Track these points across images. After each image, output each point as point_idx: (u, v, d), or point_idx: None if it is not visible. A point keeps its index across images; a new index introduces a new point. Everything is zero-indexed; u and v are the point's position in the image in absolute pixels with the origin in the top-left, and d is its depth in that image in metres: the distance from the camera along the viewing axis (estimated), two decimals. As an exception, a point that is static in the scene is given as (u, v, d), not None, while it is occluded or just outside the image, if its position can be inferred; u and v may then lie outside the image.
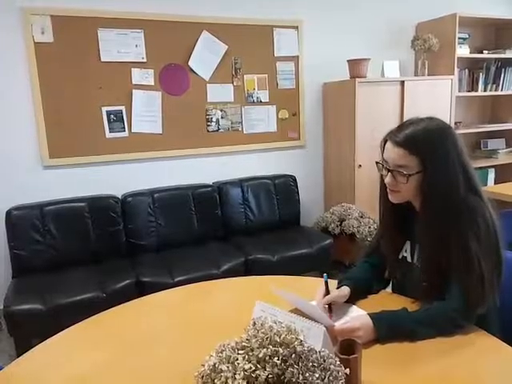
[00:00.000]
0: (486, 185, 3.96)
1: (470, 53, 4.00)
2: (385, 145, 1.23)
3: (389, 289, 1.44)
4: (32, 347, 1.21)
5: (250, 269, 2.86)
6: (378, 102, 3.50)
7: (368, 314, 1.15)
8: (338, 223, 3.35)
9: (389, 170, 1.21)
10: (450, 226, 1.15)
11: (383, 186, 1.28)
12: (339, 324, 1.13)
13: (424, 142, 1.15)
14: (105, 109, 3.02)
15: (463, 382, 0.97)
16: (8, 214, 2.70)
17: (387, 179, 1.22)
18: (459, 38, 3.83)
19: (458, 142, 1.18)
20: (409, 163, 1.16)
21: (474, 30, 4.12)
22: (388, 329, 1.11)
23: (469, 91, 4.12)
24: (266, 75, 3.50)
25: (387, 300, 1.35)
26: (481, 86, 4.11)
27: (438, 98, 3.73)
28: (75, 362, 1.13)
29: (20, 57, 2.76)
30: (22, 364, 1.15)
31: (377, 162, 1.26)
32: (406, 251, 1.34)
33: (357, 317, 1.16)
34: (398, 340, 1.11)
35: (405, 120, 1.24)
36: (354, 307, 1.30)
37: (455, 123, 3.93)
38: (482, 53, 4.08)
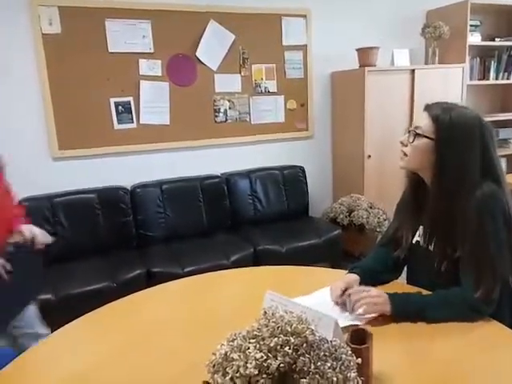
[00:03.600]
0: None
1: (482, 40, 3.92)
2: None
3: (402, 279, 1.43)
4: (44, 336, 1.23)
5: (258, 260, 2.87)
6: (387, 91, 3.45)
7: None
8: (347, 214, 3.34)
9: (409, 130, 1.27)
10: (458, 203, 1.17)
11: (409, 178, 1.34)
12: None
13: (448, 117, 1.18)
14: (113, 100, 3.02)
15: (477, 376, 0.96)
16: (19, 205, 2.72)
17: (403, 137, 1.28)
18: (471, 26, 3.75)
19: (487, 138, 1.19)
20: (424, 125, 1.21)
21: (485, 17, 4.03)
22: (402, 303, 1.15)
23: (480, 79, 4.05)
24: (274, 65, 3.47)
25: (401, 290, 1.33)
26: (492, 74, 4.04)
27: (448, 87, 3.67)
28: (86, 351, 1.14)
29: (28, 48, 2.76)
30: (33, 354, 1.16)
31: (409, 128, 1.30)
32: (419, 235, 1.34)
33: (373, 288, 1.21)
34: (412, 318, 1.12)
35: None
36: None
37: (466, 112, 3.87)
38: (493, 40, 4.00)
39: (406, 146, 1.26)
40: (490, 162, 1.19)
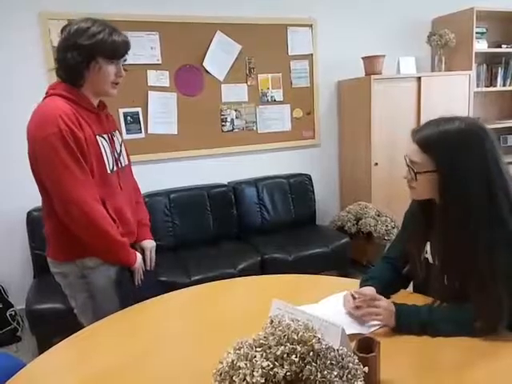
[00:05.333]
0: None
1: (488, 47, 3.92)
2: None
3: (410, 289, 1.42)
4: (53, 345, 1.24)
5: (266, 268, 2.86)
6: (394, 99, 3.46)
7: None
8: (355, 222, 3.33)
9: (407, 164, 1.21)
10: (467, 234, 1.11)
11: None
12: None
13: (439, 143, 1.12)
14: (122, 110, 3.06)
15: None
16: (29, 215, 2.75)
17: (405, 174, 1.22)
18: (477, 33, 3.75)
19: (487, 150, 1.10)
20: (420, 160, 1.15)
21: (491, 24, 4.03)
22: (407, 317, 1.13)
23: (487, 86, 4.03)
24: (280, 74, 3.49)
25: (408, 300, 1.32)
26: (499, 80, 4.02)
27: (455, 94, 3.66)
28: (94, 360, 1.15)
29: (38, 61, 2.81)
30: (43, 362, 1.17)
31: (405, 156, 1.24)
32: (427, 252, 1.31)
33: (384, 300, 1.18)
34: (417, 332, 1.11)
35: (439, 116, 1.19)
36: None
37: (473, 119, 3.85)
38: (500, 47, 3.99)
39: (411, 181, 1.20)
40: (493, 183, 1.09)
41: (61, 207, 1.38)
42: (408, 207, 1.40)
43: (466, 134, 1.12)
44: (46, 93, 1.46)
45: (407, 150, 1.20)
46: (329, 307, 1.29)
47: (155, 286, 1.77)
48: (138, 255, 1.58)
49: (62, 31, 1.43)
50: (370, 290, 1.28)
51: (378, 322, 1.18)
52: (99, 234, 1.41)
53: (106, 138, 1.50)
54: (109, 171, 1.48)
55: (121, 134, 1.66)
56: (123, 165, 1.60)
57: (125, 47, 1.45)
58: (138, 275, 1.59)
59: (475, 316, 1.09)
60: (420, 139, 1.15)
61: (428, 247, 1.30)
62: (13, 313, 2.77)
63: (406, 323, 1.12)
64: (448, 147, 1.11)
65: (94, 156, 1.42)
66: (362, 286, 1.34)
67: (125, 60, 1.49)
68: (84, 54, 1.37)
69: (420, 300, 1.26)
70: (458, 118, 1.14)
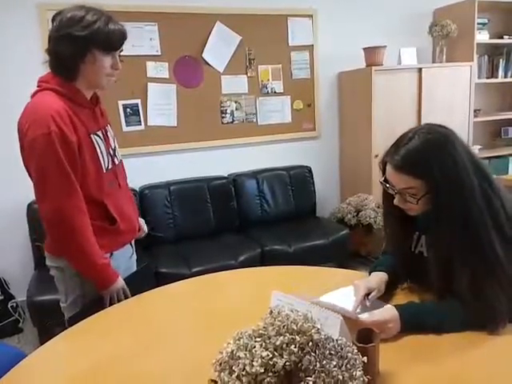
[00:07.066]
0: (507, 173, 3.88)
1: (490, 38, 3.89)
2: (385, 166, 1.17)
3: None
4: (54, 336, 1.24)
5: (266, 260, 2.87)
6: (395, 90, 3.44)
7: (394, 305, 1.13)
8: (355, 214, 3.33)
9: (396, 192, 1.16)
10: (468, 231, 1.08)
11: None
12: (368, 317, 1.11)
13: (425, 162, 1.09)
14: (121, 102, 3.05)
15: (485, 376, 0.96)
16: (29, 207, 2.76)
17: (396, 201, 1.17)
18: (478, 24, 3.73)
19: (457, 142, 1.10)
20: (415, 185, 1.11)
21: (493, 15, 4.00)
22: (414, 323, 1.09)
23: (488, 78, 4.01)
24: (281, 65, 3.47)
25: (409, 292, 1.32)
26: (501, 72, 4.00)
27: (456, 85, 3.65)
28: (95, 351, 1.15)
29: (37, 52, 2.79)
30: (44, 353, 1.17)
31: (381, 182, 1.20)
32: (421, 246, 1.27)
33: (384, 309, 1.14)
34: (424, 333, 1.08)
35: (401, 135, 1.16)
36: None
37: (474, 110, 3.84)
38: (502, 38, 3.96)
39: (408, 204, 1.16)
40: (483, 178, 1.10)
41: (40, 209, 1.35)
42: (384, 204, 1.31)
43: (436, 140, 1.10)
44: (38, 86, 1.38)
45: (390, 179, 1.15)
46: (344, 294, 1.26)
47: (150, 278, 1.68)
48: (120, 280, 1.44)
49: (53, 20, 1.33)
50: (378, 279, 1.26)
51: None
52: (76, 248, 1.35)
53: (101, 136, 1.45)
54: (104, 171, 1.44)
55: (111, 127, 1.59)
56: (119, 159, 1.56)
57: (121, 37, 1.38)
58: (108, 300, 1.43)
59: (472, 316, 1.08)
60: (405, 165, 1.11)
61: (423, 241, 1.27)
62: (14, 304, 2.78)
63: (413, 327, 1.09)
64: (433, 162, 1.08)
65: (89, 157, 1.38)
66: (371, 273, 1.32)
67: (121, 51, 1.41)
68: (78, 45, 1.29)
69: (416, 293, 1.26)
70: (414, 131, 1.13)
